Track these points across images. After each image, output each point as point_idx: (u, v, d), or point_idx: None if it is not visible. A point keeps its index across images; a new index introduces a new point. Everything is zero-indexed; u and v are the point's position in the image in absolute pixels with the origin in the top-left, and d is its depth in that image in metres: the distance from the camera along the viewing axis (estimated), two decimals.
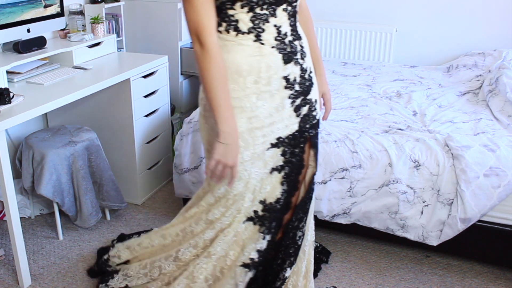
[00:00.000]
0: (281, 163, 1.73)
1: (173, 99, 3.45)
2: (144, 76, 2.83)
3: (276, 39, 1.57)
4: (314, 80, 1.75)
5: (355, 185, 2.32)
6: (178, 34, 3.31)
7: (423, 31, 3.71)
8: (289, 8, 1.58)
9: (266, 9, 1.53)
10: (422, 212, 2.26)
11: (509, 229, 2.23)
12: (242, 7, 1.51)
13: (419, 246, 2.41)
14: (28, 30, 2.56)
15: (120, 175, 2.92)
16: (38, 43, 2.62)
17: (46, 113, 2.98)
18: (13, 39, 2.52)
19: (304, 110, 1.71)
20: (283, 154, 1.72)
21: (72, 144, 2.55)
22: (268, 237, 1.79)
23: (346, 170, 2.32)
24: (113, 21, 3.18)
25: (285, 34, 1.59)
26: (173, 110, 3.35)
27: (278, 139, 1.68)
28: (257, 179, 1.72)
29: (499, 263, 2.38)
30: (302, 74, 1.67)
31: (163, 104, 3.05)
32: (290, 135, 1.70)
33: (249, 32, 1.54)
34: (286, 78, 1.62)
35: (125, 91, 2.73)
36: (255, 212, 1.77)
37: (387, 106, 2.80)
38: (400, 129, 2.47)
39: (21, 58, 2.48)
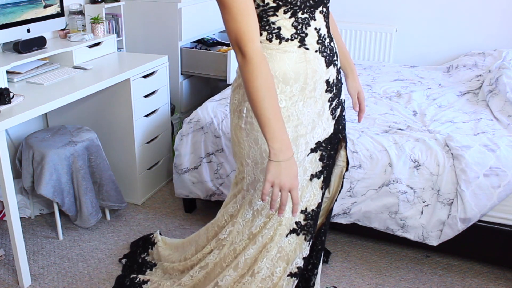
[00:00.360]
0: (320, 168, 1.68)
1: (173, 99, 3.45)
2: (144, 76, 2.83)
3: (318, 43, 1.52)
4: (343, 79, 1.74)
5: (355, 185, 2.32)
6: (178, 34, 3.31)
7: (423, 31, 3.71)
8: (324, 9, 1.53)
9: (307, 12, 1.47)
10: (422, 212, 2.26)
11: (509, 229, 2.23)
12: (285, 12, 1.44)
13: (419, 246, 2.41)
14: (28, 30, 2.56)
15: (120, 175, 2.92)
16: (38, 43, 2.62)
17: (46, 113, 2.98)
18: (13, 39, 2.52)
19: (338, 111, 1.69)
20: (321, 159, 1.66)
21: (72, 144, 2.55)
22: (310, 242, 1.75)
23: (346, 170, 2.32)
24: (113, 21, 3.18)
25: (324, 37, 1.54)
26: (173, 110, 3.35)
27: (317, 143, 1.64)
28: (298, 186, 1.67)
29: (499, 263, 2.38)
30: (338, 76, 1.64)
31: (163, 104, 3.05)
32: (327, 138, 1.66)
33: (292, 38, 1.48)
34: (327, 82, 1.58)
35: (125, 91, 2.73)
36: (297, 223, 1.68)
37: (387, 106, 2.80)
38: (400, 129, 2.47)
39: (21, 58, 2.48)
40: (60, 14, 2.76)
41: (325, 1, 1.52)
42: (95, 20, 2.96)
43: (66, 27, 2.90)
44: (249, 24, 1.36)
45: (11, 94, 2.16)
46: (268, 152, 1.39)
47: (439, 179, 2.22)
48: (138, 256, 2.39)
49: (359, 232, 2.55)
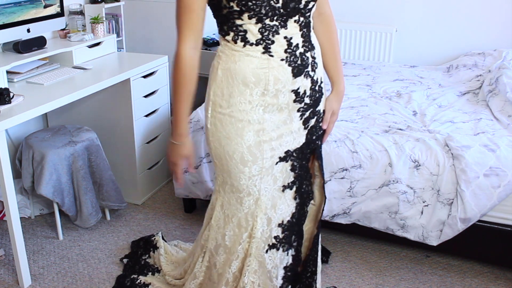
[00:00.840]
0: (292, 179, 1.68)
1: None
2: (144, 76, 2.83)
3: (286, 51, 1.50)
4: (324, 90, 1.69)
5: (355, 185, 2.32)
6: None
7: (423, 31, 3.71)
8: (302, 19, 1.50)
9: (276, 20, 1.45)
10: (422, 212, 2.26)
11: (509, 229, 2.23)
12: (250, 17, 1.44)
13: (419, 246, 2.41)
14: (28, 30, 2.56)
15: (120, 175, 2.92)
16: (38, 43, 2.62)
17: (46, 113, 2.98)
18: (13, 39, 2.52)
19: (312, 121, 1.67)
20: (292, 169, 1.67)
21: (72, 144, 2.55)
22: (291, 251, 1.74)
23: (346, 170, 2.32)
24: (113, 21, 3.18)
25: (296, 46, 1.51)
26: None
27: (286, 152, 1.63)
28: (268, 196, 1.65)
29: (499, 263, 2.38)
30: (313, 86, 1.61)
31: (163, 104, 3.05)
32: (298, 148, 1.65)
33: (257, 43, 1.48)
34: (295, 92, 1.56)
35: (125, 91, 2.72)
36: (276, 237, 1.70)
37: (387, 106, 2.80)
38: (400, 129, 2.47)
39: (21, 58, 2.48)
40: (60, 14, 2.76)
41: (302, 11, 1.48)
42: (95, 20, 2.96)
43: (66, 27, 2.90)
44: (188, 24, 1.46)
45: (11, 94, 2.16)
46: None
47: (439, 179, 2.22)
48: (140, 257, 2.39)
49: (359, 232, 2.55)
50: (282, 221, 1.69)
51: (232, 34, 1.50)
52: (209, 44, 3.62)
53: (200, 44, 1.53)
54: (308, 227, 1.84)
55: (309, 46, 1.56)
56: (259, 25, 1.46)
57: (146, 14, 3.35)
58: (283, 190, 1.68)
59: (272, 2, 1.42)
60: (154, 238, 2.46)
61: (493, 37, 3.54)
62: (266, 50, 1.49)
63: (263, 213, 1.66)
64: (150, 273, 2.27)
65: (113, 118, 2.82)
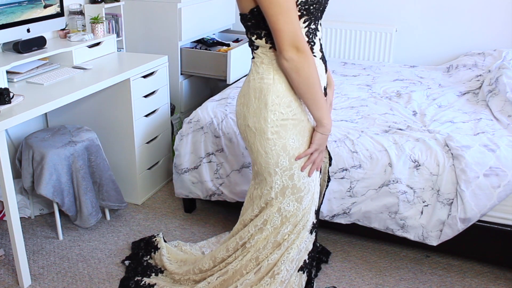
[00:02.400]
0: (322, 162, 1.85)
1: (173, 99, 3.45)
2: (144, 76, 2.83)
3: (320, 51, 1.69)
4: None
5: (355, 185, 2.32)
6: (178, 34, 3.31)
7: (423, 31, 3.71)
8: (320, 22, 1.68)
9: (315, 24, 1.61)
10: (422, 212, 2.26)
11: (509, 229, 2.23)
12: (304, 22, 1.57)
13: (419, 246, 2.41)
14: (28, 30, 2.56)
15: (120, 175, 2.92)
16: (38, 43, 2.62)
17: (46, 113, 2.98)
18: (13, 39, 2.52)
19: None
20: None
21: (72, 144, 2.55)
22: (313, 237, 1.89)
23: (346, 170, 2.32)
24: (113, 21, 3.18)
25: (323, 46, 1.72)
26: (173, 110, 3.35)
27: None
28: (317, 188, 1.83)
29: (499, 263, 2.38)
30: (325, 85, 1.77)
31: (163, 104, 3.05)
32: None
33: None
34: (324, 88, 1.74)
35: (125, 91, 2.73)
36: (313, 223, 1.85)
37: (387, 106, 2.80)
38: (400, 129, 2.47)
39: (21, 58, 2.48)
40: (60, 14, 2.76)
41: (322, 14, 1.65)
42: (95, 20, 2.96)
43: (66, 27, 2.90)
44: (299, 27, 1.53)
45: (11, 94, 2.16)
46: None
47: (439, 179, 2.22)
48: (141, 259, 2.39)
49: (359, 232, 2.55)
50: (317, 208, 1.85)
51: None
52: (209, 44, 3.63)
53: None
54: None
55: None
56: (306, 29, 1.59)
57: (146, 14, 3.35)
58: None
59: (320, 8, 1.59)
60: (155, 239, 2.46)
61: (493, 37, 3.54)
62: (311, 51, 1.63)
63: (315, 205, 1.83)
64: (153, 274, 2.27)
65: (113, 118, 2.82)
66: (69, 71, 2.62)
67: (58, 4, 2.74)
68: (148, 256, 2.40)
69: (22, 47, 2.53)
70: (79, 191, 2.57)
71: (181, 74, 3.48)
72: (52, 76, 2.53)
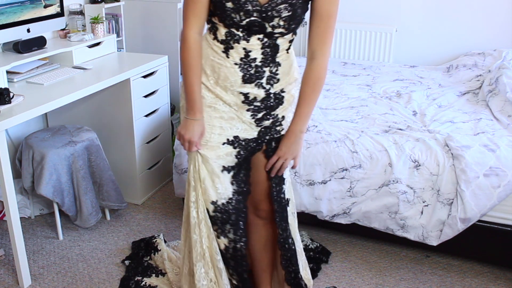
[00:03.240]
0: (233, 164, 1.77)
1: (173, 99, 3.45)
2: (144, 76, 2.83)
3: (242, 60, 1.65)
4: (286, 100, 1.75)
5: (355, 185, 2.32)
6: (178, 34, 3.31)
7: (423, 31, 3.71)
8: (266, 39, 1.62)
9: (242, 32, 1.61)
10: (422, 212, 2.26)
11: (509, 229, 2.23)
12: (219, 21, 1.62)
13: (419, 246, 2.41)
14: (28, 30, 2.56)
15: (120, 175, 2.92)
16: (38, 43, 2.62)
17: (46, 113, 2.98)
18: (13, 39, 2.52)
19: (267, 123, 1.75)
20: (237, 156, 1.76)
21: (72, 144, 2.55)
22: (225, 241, 1.80)
23: (346, 170, 2.32)
24: (113, 21, 3.18)
25: (254, 59, 1.65)
26: (173, 110, 3.35)
27: (235, 137, 1.74)
28: (209, 169, 1.76)
29: (499, 263, 2.38)
30: (267, 97, 1.71)
31: (163, 104, 3.05)
32: (248, 139, 1.75)
33: (221, 42, 1.65)
34: (245, 95, 1.69)
35: (125, 91, 2.72)
36: (207, 210, 1.81)
37: (387, 106, 2.80)
38: (400, 129, 2.47)
39: (21, 58, 2.48)
40: (60, 14, 2.76)
41: (267, 32, 1.59)
42: (95, 20, 2.96)
43: (66, 27, 2.90)
44: (193, 13, 1.62)
45: (11, 94, 2.16)
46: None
47: (439, 179, 2.22)
48: (142, 259, 2.39)
49: (359, 232, 2.55)
50: (217, 201, 1.78)
51: (209, 26, 1.68)
52: None
53: (203, 30, 1.68)
54: (265, 205, 1.90)
55: (270, 64, 1.68)
56: (226, 29, 1.63)
57: (146, 14, 3.35)
58: (222, 171, 1.77)
59: (235, 19, 1.57)
60: (156, 240, 2.46)
61: (493, 37, 3.54)
62: (226, 51, 1.65)
63: (202, 182, 1.78)
64: (154, 275, 2.27)
65: (113, 118, 2.82)
66: (69, 71, 2.62)
67: (58, 4, 2.74)
68: (148, 257, 2.40)
69: (22, 47, 2.53)
70: (79, 191, 2.57)
71: (181, 74, 3.47)
72: (52, 76, 2.53)
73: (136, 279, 2.23)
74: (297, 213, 2.45)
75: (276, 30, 1.59)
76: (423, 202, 2.25)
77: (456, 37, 3.63)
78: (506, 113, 2.61)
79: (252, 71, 1.66)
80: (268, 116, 1.74)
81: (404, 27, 3.74)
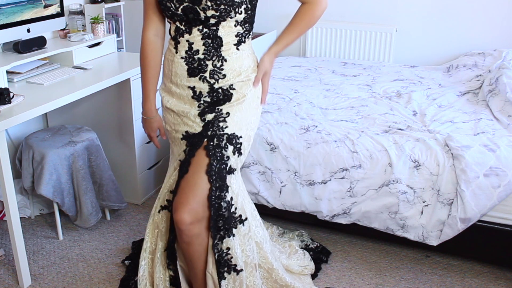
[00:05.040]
0: (181, 158, 1.86)
1: None
2: None
3: (186, 53, 1.73)
4: (236, 98, 1.76)
5: (355, 185, 2.32)
6: None
7: (423, 31, 3.71)
8: (206, 30, 1.68)
9: (184, 25, 1.70)
10: (422, 212, 2.26)
11: (509, 229, 2.23)
12: (166, 16, 1.75)
13: (419, 246, 2.41)
14: (28, 30, 2.56)
15: (120, 175, 2.92)
16: (38, 43, 2.62)
17: (46, 113, 2.98)
18: (13, 39, 2.52)
19: (210, 116, 1.77)
20: (185, 150, 1.84)
21: (72, 144, 2.55)
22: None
23: (346, 170, 2.32)
24: (113, 21, 3.19)
25: (197, 52, 1.72)
26: None
27: (186, 132, 1.83)
28: (175, 165, 1.90)
29: (499, 263, 2.38)
30: (211, 92, 1.76)
31: None
32: (192, 134, 1.81)
33: (173, 39, 1.77)
34: (192, 90, 1.77)
35: (125, 91, 2.73)
36: (168, 201, 1.93)
37: (387, 106, 2.80)
38: (400, 129, 2.47)
39: (21, 58, 2.48)
40: (60, 14, 2.76)
41: (202, 19, 1.66)
42: (95, 20, 2.96)
43: (66, 27, 2.90)
44: (146, 15, 1.83)
45: (11, 94, 2.16)
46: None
47: (439, 179, 2.22)
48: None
49: (359, 232, 2.55)
50: (173, 189, 1.87)
51: (169, 25, 1.80)
52: None
53: (162, 32, 1.86)
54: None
55: (213, 57, 1.72)
56: (174, 25, 1.74)
57: None
58: (174, 162, 1.92)
59: (172, 8, 1.67)
60: None
61: (493, 37, 3.54)
62: (175, 47, 1.76)
63: (169, 175, 1.95)
64: None
65: (113, 118, 2.82)
66: (69, 71, 2.62)
67: (58, 4, 2.74)
68: None
69: (22, 47, 2.53)
70: (79, 191, 2.57)
71: None
72: (52, 76, 2.53)
73: (136, 279, 2.23)
74: (297, 213, 2.47)
75: (208, 14, 1.65)
76: (423, 202, 2.25)
77: (456, 37, 3.63)
78: (506, 113, 2.61)
79: (196, 64, 1.73)
80: (211, 110, 1.77)
81: (404, 27, 3.74)
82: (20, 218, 2.60)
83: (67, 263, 2.44)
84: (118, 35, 3.20)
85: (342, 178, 2.33)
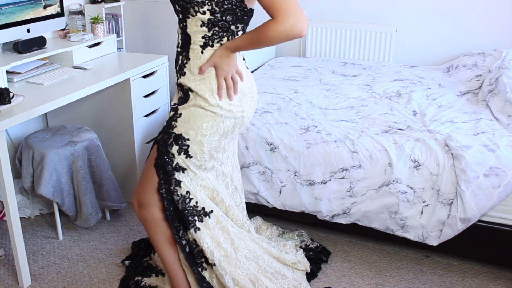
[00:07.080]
0: None
1: (173, 99, 3.45)
2: (144, 76, 2.83)
3: (178, 46, 1.80)
4: (191, 99, 1.78)
5: (355, 185, 2.32)
6: None
7: (423, 31, 3.71)
8: (181, 24, 1.74)
9: (179, 18, 1.75)
10: (422, 212, 2.26)
11: (509, 229, 2.23)
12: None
13: (419, 246, 2.41)
14: (28, 30, 2.56)
15: (120, 175, 2.92)
16: (38, 43, 2.62)
17: (46, 113, 2.98)
18: (13, 39, 2.52)
19: (170, 114, 1.85)
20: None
21: (72, 144, 2.55)
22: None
23: (346, 170, 2.32)
24: (113, 21, 3.19)
25: (178, 44, 1.80)
26: None
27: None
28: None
29: (499, 263, 2.38)
30: (178, 86, 1.84)
31: (163, 104, 3.05)
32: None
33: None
34: (178, 84, 1.84)
35: (125, 91, 2.73)
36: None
37: (387, 106, 2.80)
38: (400, 129, 2.47)
39: (21, 58, 2.48)
40: (60, 14, 2.76)
41: (180, 16, 1.72)
42: (95, 20, 2.96)
43: (66, 27, 2.90)
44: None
45: (11, 94, 2.16)
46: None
47: (439, 179, 2.22)
48: (142, 259, 2.39)
49: (359, 232, 2.55)
50: None
51: None
52: None
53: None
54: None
55: (183, 52, 1.77)
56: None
57: (146, 14, 3.35)
58: None
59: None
60: None
61: (493, 37, 3.54)
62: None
63: None
64: (153, 275, 2.27)
65: (113, 118, 2.82)
66: (69, 71, 2.62)
67: (58, 4, 2.74)
68: (148, 257, 2.40)
69: (22, 47, 2.53)
70: (79, 191, 2.57)
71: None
72: (52, 76, 2.53)
73: (136, 279, 2.23)
74: (297, 213, 2.47)
75: (177, 7, 1.69)
76: (423, 202, 2.26)
77: (456, 37, 3.63)
78: (506, 113, 2.61)
79: (176, 57, 1.81)
80: (174, 107, 1.83)
81: (404, 27, 3.74)
82: (20, 218, 2.60)
83: (67, 263, 2.44)
84: (118, 35, 3.20)
85: (342, 178, 2.33)
